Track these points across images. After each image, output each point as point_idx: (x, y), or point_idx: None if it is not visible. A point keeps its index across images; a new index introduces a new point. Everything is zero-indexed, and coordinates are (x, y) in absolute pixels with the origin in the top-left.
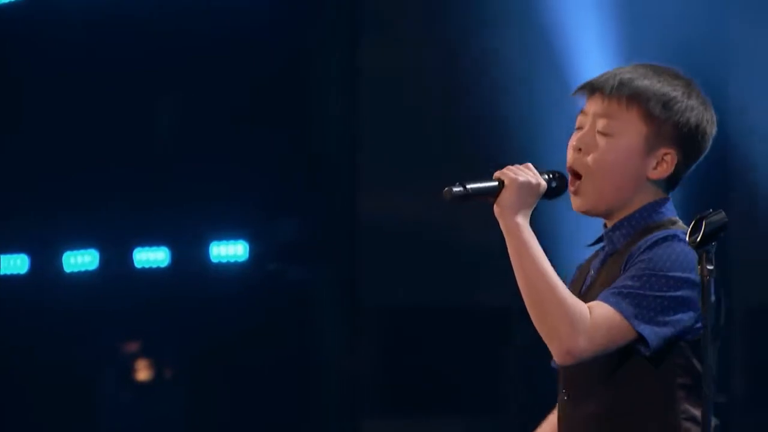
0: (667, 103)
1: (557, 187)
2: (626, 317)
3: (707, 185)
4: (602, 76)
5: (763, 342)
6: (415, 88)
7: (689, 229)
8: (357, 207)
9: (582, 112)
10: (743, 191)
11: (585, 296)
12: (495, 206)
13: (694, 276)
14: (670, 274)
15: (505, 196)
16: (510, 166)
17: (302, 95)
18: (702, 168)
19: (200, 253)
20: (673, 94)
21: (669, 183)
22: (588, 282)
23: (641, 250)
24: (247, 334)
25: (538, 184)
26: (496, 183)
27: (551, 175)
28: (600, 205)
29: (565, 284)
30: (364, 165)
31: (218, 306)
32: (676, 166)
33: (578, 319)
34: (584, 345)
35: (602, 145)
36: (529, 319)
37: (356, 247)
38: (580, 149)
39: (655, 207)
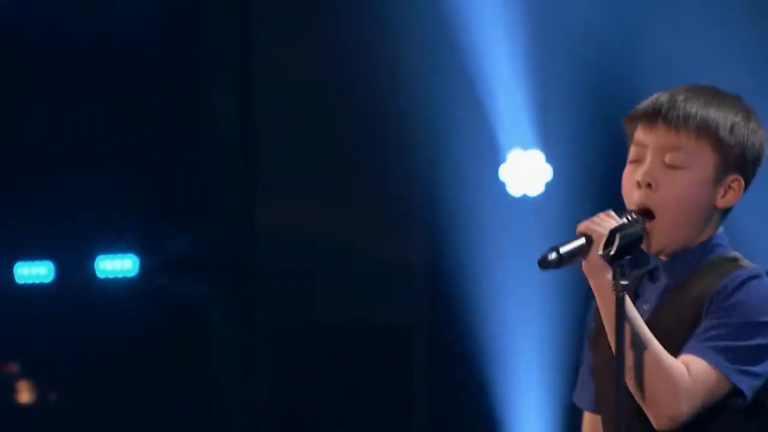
0: (734, 129)
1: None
2: (725, 373)
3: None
4: (658, 104)
5: None
6: (313, 96)
7: (601, 243)
8: (254, 220)
9: (636, 143)
10: None
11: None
12: (584, 264)
13: None
14: (762, 319)
15: (594, 254)
16: (594, 218)
17: (194, 102)
18: (615, 177)
19: (86, 267)
20: (736, 119)
21: (728, 209)
22: (645, 318)
23: (728, 291)
24: (137, 354)
25: None
26: (583, 241)
27: (631, 217)
28: (674, 244)
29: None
30: (260, 176)
31: (105, 324)
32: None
33: (679, 384)
34: (686, 409)
35: (674, 179)
36: (431, 336)
37: (252, 262)
38: (649, 185)
39: (716, 240)
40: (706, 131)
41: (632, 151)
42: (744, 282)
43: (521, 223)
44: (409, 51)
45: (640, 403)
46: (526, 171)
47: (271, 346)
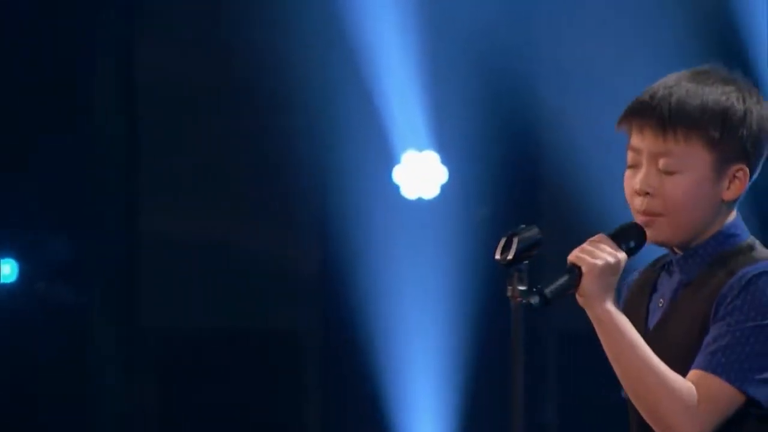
0: (726, 120)
1: (636, 246)
2: (737, 386)
3: (518, 196)
4: (644, 104)
5: None
6: (197, 96)
7: (499, 248)
8: (136, 222)
9: (631, 148)
10: (554, 202)
11: (660, 332)
12: (578, 296)
13: None
14: (766, 321)
15: (587, 286)
16: (584, 246)
17: (75, 103)
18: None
19: None
20: (729, 104)
21: (737, 198)
22: (659, 315)
23: (735, 292)
24: (16, 361)
25: (618, 261)
26: (567, 277)
27: (625, 231)
28: (674, 240)
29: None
30: (142, 178)
31: None
32: (749, 177)
33: (688, 405)
34: (699, 430)
35: (670, 185)
36: (321, 340)
37: (134, 267)
38: (647, 193)
39: (730, 230)
40: (695, 131)
41: (629, 156)
42: (750, 281)
43: (416, 226)
44: (298, 50)
45: (652, 425)
46: (420, 173)
47: (153, 352)
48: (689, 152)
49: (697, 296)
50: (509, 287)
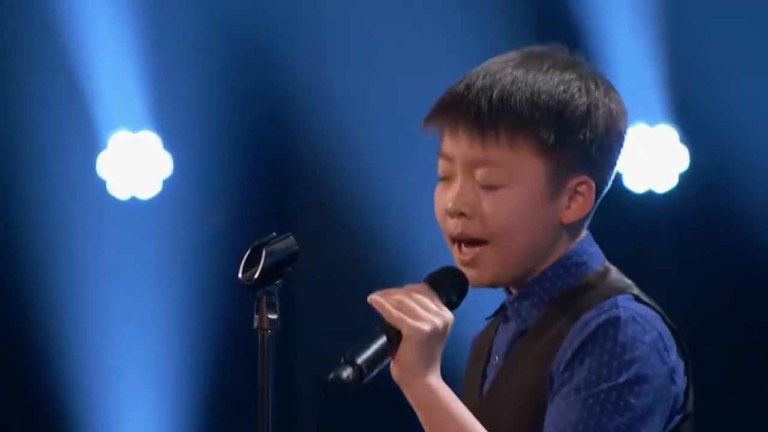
0: (562, 118)
1: (458, 300)
2: None
3: (267, 196)
4: (457, 96)
5: None
6: None
7: (242, 263)
8: None
9: (442, 155)
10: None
11: (491, 402)
12: (393, 367)
13: (657, 366)
14: (621, 380)
15: (408, 356)
16: (402, 299)
17: None
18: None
19: None
20: (566, 96)
21: (586, 215)
22: (492, 375)
23: (575, 348)
24: None
25: (446, 325)
26: (384, 339)
27: (447, 279)
28: (504, 276)
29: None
30: None
31: None
32: (596, 192)
33: None
34: None
35: (491, 202)
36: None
37: None
38: (462, 214)
39: (571, 257)
40: (522, 133)
41: (440, 165)
42: (597, 331)
43: (129, 235)
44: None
45: None
46: (135, 162)
47: None
48: (515, 160)
49: (531, 351)
50: (256, 315)
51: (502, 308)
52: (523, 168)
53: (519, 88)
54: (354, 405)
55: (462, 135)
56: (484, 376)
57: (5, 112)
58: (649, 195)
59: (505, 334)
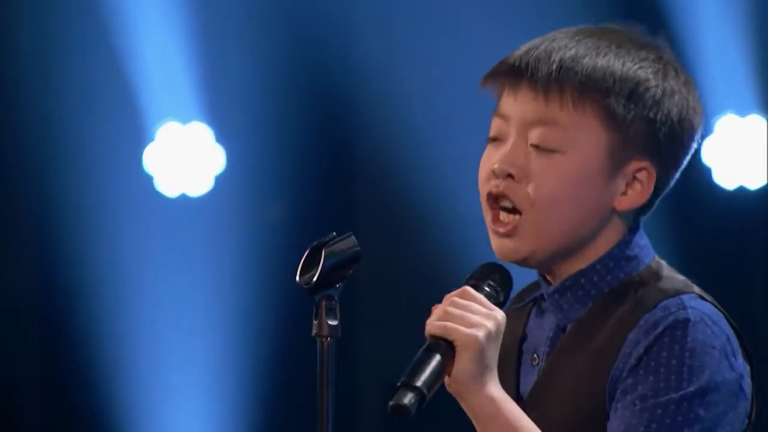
0: (635, 92)
1: (506, 298)
2: None
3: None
4: (526, 54)
5: None
6: None
7: (300, 265)
8: None
9: (498, 114)
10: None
11: (538, 404)
12: (448, 382)
13: (726, 373)
14: (692, 389)
15: (465, 364)
16: (448, 309)
17: None
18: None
19: None
20: (643, 74)
21: (642, 208)
22: (532, 375)
23: (640, 353)
24: None
25: (499, 326)
26: (439, 358)
27: (491, 276)
28: (542, 252)
29: None
30: None
31: None
32: (656, 184)
33: None
34: None
35: (543, 167)
36: (42, 395)
37: None
38: (509, 175)
39: (623, 252)
40: (591, 95)
41: (492, 125)
42: (664, 333)
43: (178, 235)
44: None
45: None
46: (186, 156)
47: None
48: (577, 124)
49: (582, 354)
50: (315, 321)
51: (535, 299)
52: (584, 135)
53: (591, 53)
54: (418, 417)
55: (524, 91)
56: (518, 378)
57: (45, 96)
58: (740, 192)
59: (542, 329)
